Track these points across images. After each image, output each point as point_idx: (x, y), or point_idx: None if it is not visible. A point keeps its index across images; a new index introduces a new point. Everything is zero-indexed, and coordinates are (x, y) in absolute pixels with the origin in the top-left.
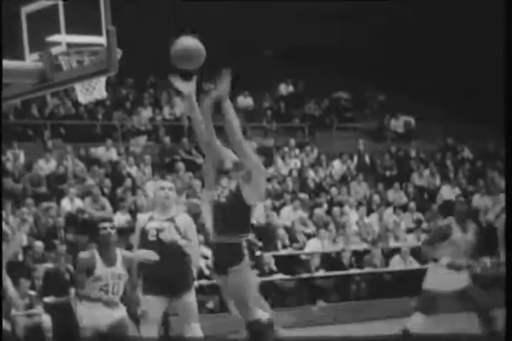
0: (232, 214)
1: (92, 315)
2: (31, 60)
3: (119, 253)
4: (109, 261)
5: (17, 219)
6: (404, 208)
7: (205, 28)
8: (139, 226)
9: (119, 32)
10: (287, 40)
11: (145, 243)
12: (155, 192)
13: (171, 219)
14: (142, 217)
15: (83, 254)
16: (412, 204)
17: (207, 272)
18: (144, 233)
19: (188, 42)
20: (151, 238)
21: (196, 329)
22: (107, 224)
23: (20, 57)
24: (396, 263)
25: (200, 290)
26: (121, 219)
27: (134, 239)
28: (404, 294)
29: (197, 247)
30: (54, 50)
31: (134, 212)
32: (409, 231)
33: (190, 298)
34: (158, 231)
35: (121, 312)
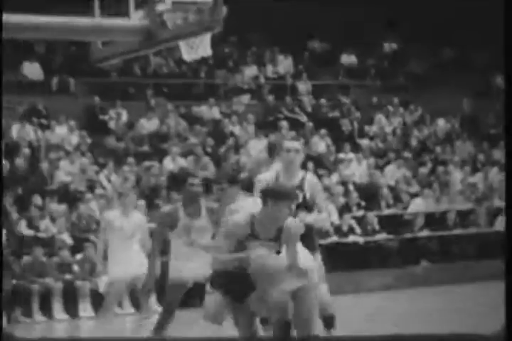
0: None
1: (179, 269)
2: (136, 18)
3: (204, 204)
4: (194, 214)
5: (119, 178)
6: None
7: None
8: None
9: None
10: None
11: None
12: (281, 155)
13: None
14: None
15: (165, 209)
16: None
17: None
18: None
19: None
20: None
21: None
22: (195, 181)
23: (125, 14)
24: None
25: None
26: None
27: None
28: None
29: (326, 215)
30: (159, 8)
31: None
32: None
33: None
34: None
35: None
